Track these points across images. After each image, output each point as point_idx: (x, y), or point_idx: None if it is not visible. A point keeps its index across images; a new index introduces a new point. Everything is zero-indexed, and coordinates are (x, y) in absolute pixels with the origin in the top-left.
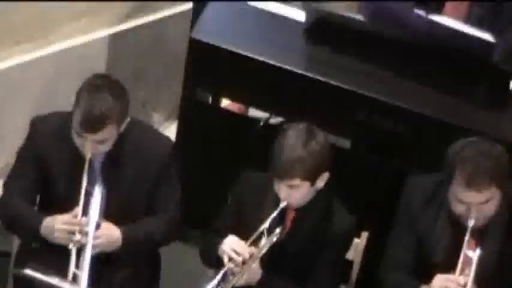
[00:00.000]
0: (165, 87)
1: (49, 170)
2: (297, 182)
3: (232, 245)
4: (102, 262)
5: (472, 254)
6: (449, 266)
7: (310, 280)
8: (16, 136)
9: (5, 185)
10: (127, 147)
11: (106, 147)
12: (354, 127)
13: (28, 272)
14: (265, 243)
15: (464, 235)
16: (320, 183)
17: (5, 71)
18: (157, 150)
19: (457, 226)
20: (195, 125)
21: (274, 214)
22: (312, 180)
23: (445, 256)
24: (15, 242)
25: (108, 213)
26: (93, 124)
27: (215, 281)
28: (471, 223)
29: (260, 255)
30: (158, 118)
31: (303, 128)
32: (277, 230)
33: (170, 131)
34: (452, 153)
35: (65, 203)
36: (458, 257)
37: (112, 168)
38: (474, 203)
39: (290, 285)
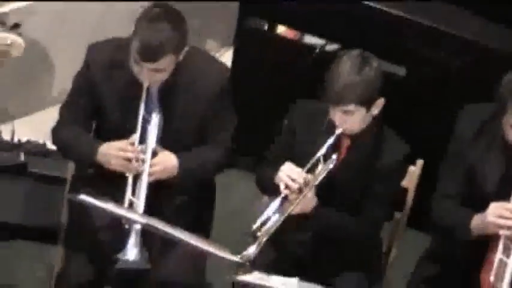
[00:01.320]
0: (220, 14)
1: (104, 98)
2: (351, 107)
3: (288, 172)
4: (158, 189)
5: None
6: (502, 197)
7: (365, 208)
8: (70, 63)
9: (61, 111)
10: (184, 75)
11: (164, 76)
12: (409, 55)
13: (83, 197)
14: (321, 170)
15: None
16: (375, 109)
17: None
18: (214, 79)
19: (510, 156)
20: (250, 52)
21: (331, 141)
22: (367, 106)
23: (498, 186)
24: (70, 168)
25: (165, 142)
26: (152, 53)
27: (272, 208)
28: None
29: (316, 183)
30: (213, 45)
31: (357, 55)
32: (334, 157)
33: (225, 57)
34: (505, 83)
35: (120, 130)
36: (511, 186)
37: (169, 96)
38: None
39: (344, 214)
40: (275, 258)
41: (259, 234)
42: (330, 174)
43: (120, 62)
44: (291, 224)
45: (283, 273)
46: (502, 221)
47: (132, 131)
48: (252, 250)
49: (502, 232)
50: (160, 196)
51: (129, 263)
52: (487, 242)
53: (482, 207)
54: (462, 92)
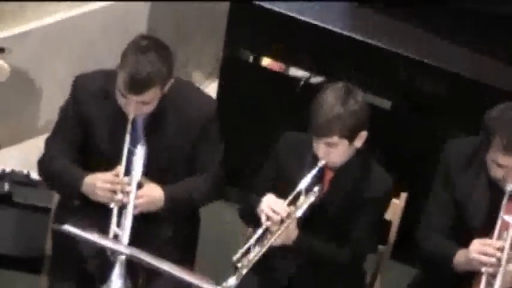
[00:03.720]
0: (206, 45)
1: (91, 129)
2: (335, 140)
3: (270, 204)
4: (143, 221)
5: (509, 218)
6: (487, 231)
7: (348, 241)
8: (57, 93)
9: (47, 142)
10: (170, 107)
11: (149, 108)
12: (395, 88)
13: (67, 228)
14: (303, 202)
15: (502, 200)
16: (358, 142)
17: (46, 27)
18: (200, 111)
19: (496, 191)
20: (235, 84)
21: (313, 172)
22: (350, 138)
23: (484, 221)
24: (55, 198)
25: (151, 173)
26: (138, 86)
27: (252, 240)
28: (510, 187)
29: (298, 215)
30: (199, 76)
31: (341, 87)
32: (316, 189)
33: (211, 89)
34: (491, 117)
35: (107, 162)
36: (496, 222)
37: (155, 128)
38: None
39: (327, 246)
40: (259, 287)
41: (240, 265)
42: (314, 207)
43: (107, 94)
44: (274, 252)
45: None
46: (484, 258)
47: (119, 162)
48: (232, 281)
49: (484, 269)
50: (145, 228)
51: None
52: (471, 276)
53: (468, 240)
54: (448, 125)
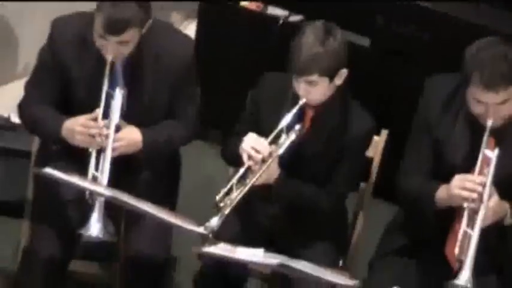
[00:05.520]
0: None
1: (69, 74)
2: (315, 78)
3: (251, 143)
4: (122, 167)
5: (490, 153)
6: (468, 169)
7: (330, 181)
8: (36, 37)
9: (26, 87)
10: (148, 49)
11: (128, 49)
12: (373, 26)
13: (48, 171)
14: (284, 141)
15: (482, 137)
16: (338, 80)
17: None
18: (178, 53)
19: (476, 128)
20: (214, 24)
21: (294, 111)
22: (330, 76)
23: (464, 158)
24: (36, 142)
25: (129, 117)
26: (117, 26)
27: (234, 179)
28: (490, 123)
29: (279, 154)
30: (177, 17)
31: (320, 26)
32: (297, 127)
33: (189, 30)
34: (469, 55)
35: (85, 106)
36: (477, 159)
37: (133, 71)
38: (491, 104)
39: (309, 185)
40: (242, 229)
41: (222, 205)
42: (295, 146)
43: (85, 37)
44: (256, 195)
45: (250, 245)
46: (466, 193)
47: (98, 106)
48: (215, 221)
49: (466, 204)
50: (126, 172)
51: (92, 238)
52: (453, 213)
53: (450, 179)
54: (429, 62)
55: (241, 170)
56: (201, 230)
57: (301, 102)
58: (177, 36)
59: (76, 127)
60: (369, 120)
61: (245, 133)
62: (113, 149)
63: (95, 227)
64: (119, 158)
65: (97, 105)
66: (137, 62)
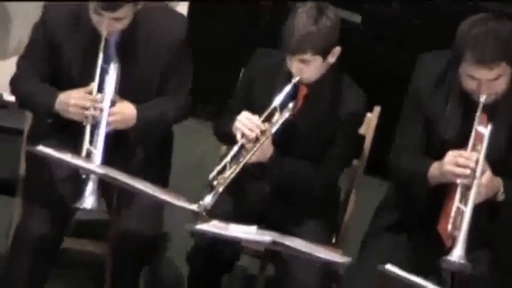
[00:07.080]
0: None
1: (62, 52)
2: (308, 56)
3: (245, 121)
4: (116, 144)
5: (483, 129)
6: (461, 145)
7: (323, 158)
8: (29, 13)
9: (18, 63)
10: (143, 27)
11: (123, 25)
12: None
13: (41, 148)
14: (277, 119)
15: (475, 113)
16: (332, 58)
17: None
18: (172, 30)
19: (469, 104)
20: (207, 2)
21: (287, 89)
22: (324, 54)
23: (457, 135)
24: (28, 119)
25: (122, 92)
26: (111, 3)
27: (228, 158)
28: (482, 98)
29: (273, 131)
30: None
31: (313, 5)
32: (290, 105)
33: (182, 8)
34: (463, 30)
35: (79, 83)
36: (469, 135)
37: (127, 46)
38: (485, 80)
39: (302, 163)
40: (235, 208)
41: (215, 183)
42: (289, 123)
43: (79, 17)
44: (249, 173)
45: (243, 222)
46: (458, 170)
47: (92, 80)
48: (208, 199)
49: (459, 181)
50: (118, 150)
51: (86, 211)
52: (445, 190)
53: (442, 156)
54: (421, 37)
55: (235, 149)
56: (194, 207)
57: (295, 80)
58: (170, 13)
59: (71, 100)
60: (362, 96)
61: (238, 110)
62: (108, 123)
63: (89, 200)
64: (111, 137)
65: (91, 81)
66: (131, 39)
